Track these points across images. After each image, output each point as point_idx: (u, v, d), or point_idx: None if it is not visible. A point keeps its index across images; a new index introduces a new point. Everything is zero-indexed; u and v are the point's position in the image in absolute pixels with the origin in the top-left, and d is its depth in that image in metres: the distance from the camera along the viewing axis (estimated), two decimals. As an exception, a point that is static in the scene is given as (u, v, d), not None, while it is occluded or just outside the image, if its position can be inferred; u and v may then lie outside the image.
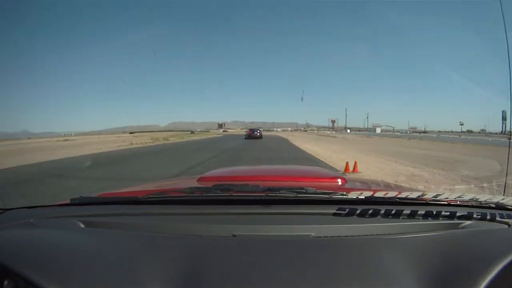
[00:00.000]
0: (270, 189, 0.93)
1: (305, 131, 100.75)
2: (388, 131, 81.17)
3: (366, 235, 0.74)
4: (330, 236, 0.73)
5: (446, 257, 0.60)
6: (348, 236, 0.74)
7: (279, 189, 0.93)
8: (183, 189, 1.02)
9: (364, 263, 0.60)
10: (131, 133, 55.49)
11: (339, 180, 1.33)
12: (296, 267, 0.59)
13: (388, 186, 1.49)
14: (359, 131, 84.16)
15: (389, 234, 0.74)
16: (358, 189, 1.06)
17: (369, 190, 1.00)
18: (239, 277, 0.56)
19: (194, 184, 1.28)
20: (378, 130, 79.36)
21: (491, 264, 0.56)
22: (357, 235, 0.74)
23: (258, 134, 29.42)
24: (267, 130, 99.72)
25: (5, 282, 0.56)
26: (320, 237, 0.73)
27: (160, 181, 1.94)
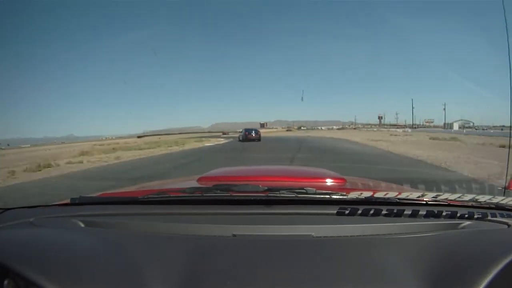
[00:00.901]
0: (270, 189, 0.93)
1: (354, 128, 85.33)
2: (466, 127, 62.83)
3: (366, 235, 0.74)
4: (330, 236, 0.73)
5: (446, 257, 0.60)
6: (348, 236, 0.74)
7: (279, 189, 0.93)
8: (183, 189, 1.02)
9: (364, 263, 0.60)
10: (138, 137, 49.53)
11: (339, 180, 1.31)
12: (296, 267, 0.59)
13: (388, 186, 1.43)
14: (412, 127, 66.19)
15: (389, 234, 0.75)
16: (358, 189, 1.04)
17: (369, 190, 0.99)
18: (239, 277, 0.56)
19: (194, 184, 1.27)
20: (456, 127, 61.56)
21: (491, 264, 0.55)
22: (357, 235, 0.74)
23: (254, 135, 22.61)
24: (311, 129, 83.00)
25: (5, 282, 0.56)
26: (320, 237, 0.73)
27: (160, 181, 1.91)
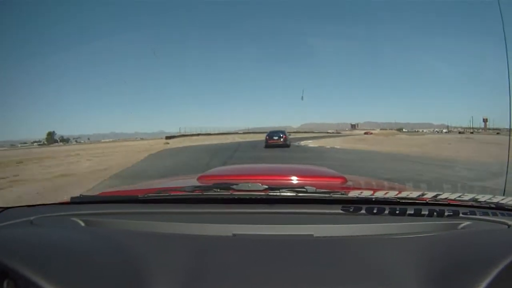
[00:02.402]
0: (270, 188, 0.92)
1: (472, 133, 67.13)
2: None
3: (366, 235, 0.74)
4: (331, 236, 0.73)
5: (446, 258, 0.60)
6: (348, 236, 0.74)
7: (279, 188, 0.92)
8: (183, 187, 1.02)
9: (365, 263, 0.60)
10: (167, 138, 38.47)
11: (339, 179, 1.31)
12: (296, 266, 0.59)
13: (389, 186, 1.42)
14: None
15: (389, 234, 0.74)
16: (359, 189, 1.03)
17: (370, 189, 0.98)
18: (239, 277, 0.56)
19: (195, 182, 1.26)
20: None
21: (491, 264, 0.55)
22: (357, 235, 0.74)
23: (280, 140, 16.85)
24: (413, 132, 63.33)
25: (5, 282, 0.56)
26: (321, 236, 0.72)
27: (160, 180, 1.91)
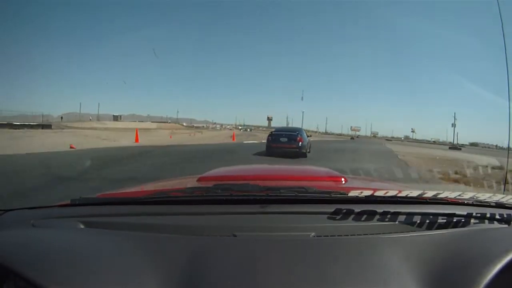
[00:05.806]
0: (270, 189, 0.93)
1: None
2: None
3: (367, 234, 0.74)
4: (331, 236, 0.73)
5: (446, 256, 0.60)
6: (348, 235, 0.74)
7: (279, 188, 0.93)
8: (183, 189, 1.03)
9: (365, 263, 0.60)
10: None
11: (339, 179, 1.31)
12: (296, 266, 0.59)
13: (389, 185, 1.43)
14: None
15: (389, 233, 0.74)
16: (359, 188, 1.02)
17: (370, 189, 0.98)
18: (240, 277, 0.56)
19: (194, 184, 1.27)
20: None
21: (491, 263, 0.56)
22: (357, 234, 0.74)
23: (291, 144, 10.31)
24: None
25: (6, 284, 0.57)
26: (321, 236, 0.73)
27: (160, 181, 1.85)
